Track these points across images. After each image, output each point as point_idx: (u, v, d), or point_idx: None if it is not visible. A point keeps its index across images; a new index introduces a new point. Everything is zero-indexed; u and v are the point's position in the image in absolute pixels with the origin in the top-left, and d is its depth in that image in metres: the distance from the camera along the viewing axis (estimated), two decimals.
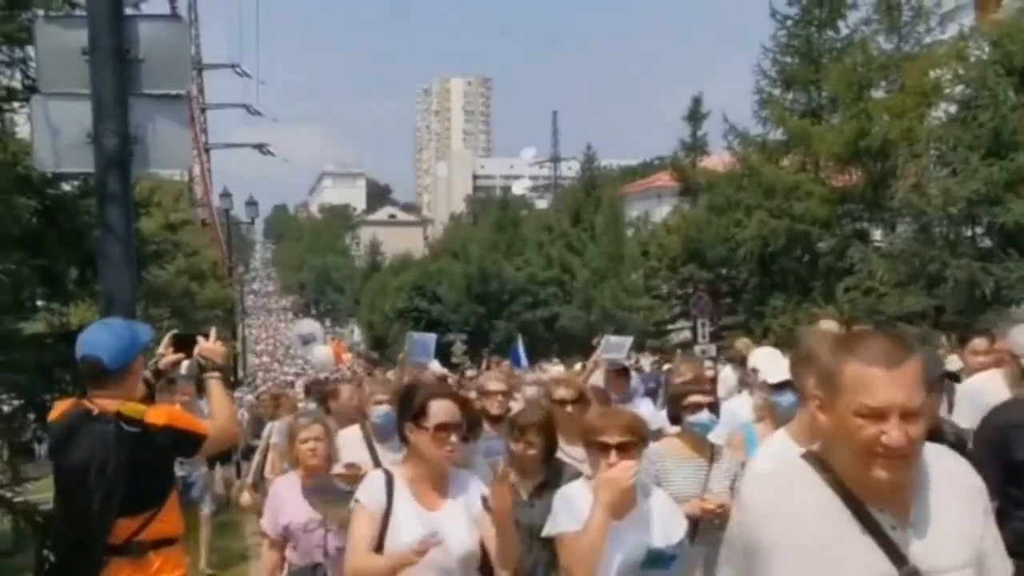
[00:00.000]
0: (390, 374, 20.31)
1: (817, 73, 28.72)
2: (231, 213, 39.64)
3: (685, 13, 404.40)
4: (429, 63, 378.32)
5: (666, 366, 13.93)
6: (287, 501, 4.88)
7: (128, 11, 4.99)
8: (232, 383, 27.01)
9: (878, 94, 27.25)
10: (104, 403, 3.77)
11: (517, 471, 4.45)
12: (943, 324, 20.26)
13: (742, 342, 11.60)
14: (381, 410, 5.56)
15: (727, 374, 10.58)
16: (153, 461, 3.80)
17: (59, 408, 3.91)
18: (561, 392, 5.56)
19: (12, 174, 9.95)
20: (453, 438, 3.43)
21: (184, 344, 4.41)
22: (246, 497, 7.98)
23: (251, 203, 40.43)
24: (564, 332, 47.30)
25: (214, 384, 4.29)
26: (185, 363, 4.53)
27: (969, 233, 23.25)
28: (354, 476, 4.66)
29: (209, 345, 4.34)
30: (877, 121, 25.76)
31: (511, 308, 52.75)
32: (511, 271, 54.05)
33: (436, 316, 56.28)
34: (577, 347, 35.66)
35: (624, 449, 3.62)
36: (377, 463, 5.13)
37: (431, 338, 8.99)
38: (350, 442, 5.53)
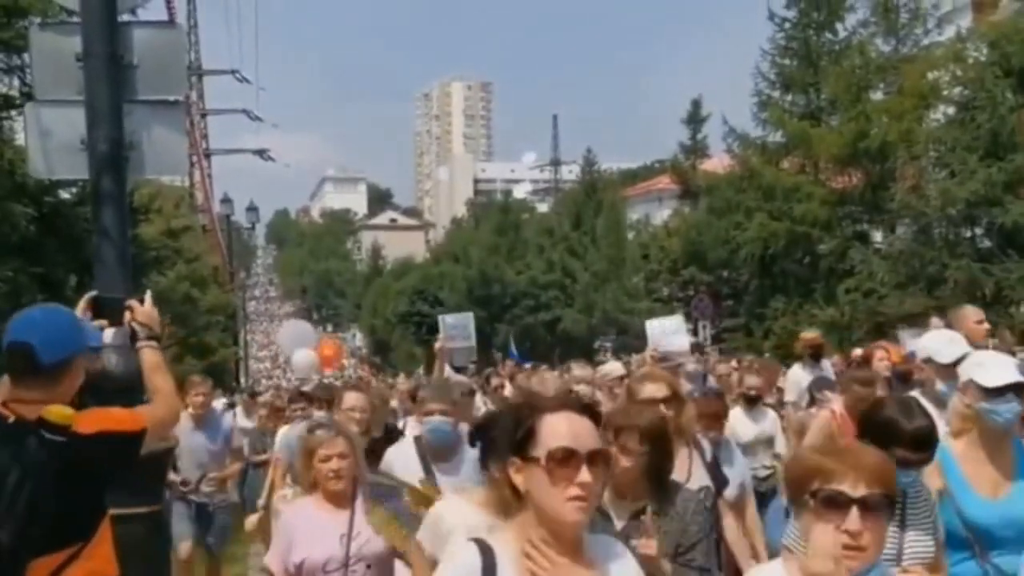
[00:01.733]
0: (400, 379, 19.75)
1: (816, 75, 28.76)
2: (232, 218, 39.75)
3: (684, 16, 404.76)
4: (429, 68, 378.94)
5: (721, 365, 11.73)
6: (301, 533, 3.96)
7: (123, 17, 4.99)
8: (232, 388, 27.00)
9: (876, 96, 27.29)
10: (22, 409, 3.03)
11: (609, 489, 3.31)
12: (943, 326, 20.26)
13: (810, 334, 9.75)
14: (434, 421, 4.72)
15: (797, 375, 8.92)
16: (83, 480, 3.05)
17: None
18: (649, 389, 4.27)
19: (9, 182, 10.01)
20: (585, 476, 2.15)
21: (107, 309, 3.81)
22: (252, 521, 7.45)
23: (252, 208, 40.52)
24: (565, 335, 47.34)
25: (150, 354, 3.64)
26: (109, 331, 3.87)
27: (968, 234, 23.26)
28: (428, 499, 3.91)
29: (145, 309, 3.75)
30: (876, 123, 25.79)
31: (513, 312, 52.75)
32: (512, 275, 54.08)
33: (438, 320, 56.27)
34: (578, 350, 35.66)
35: (869, 508, 2.15)
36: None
37: (468, 318, 7.91)
38: (401, 461, 4.76)
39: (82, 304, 3.85)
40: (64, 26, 5.10)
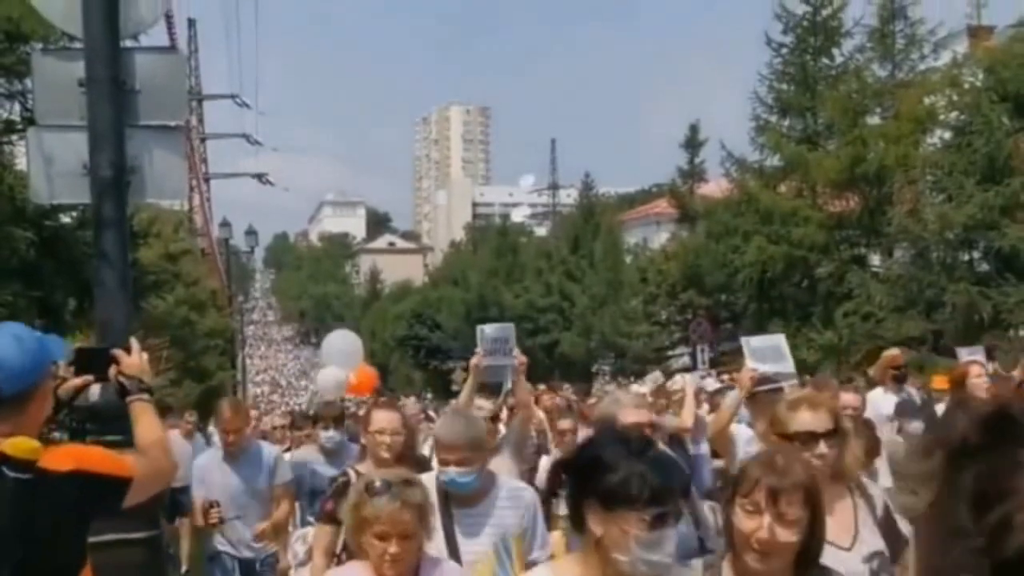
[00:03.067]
0: (411, 401, 19.02)
1: (812, 100, 28.88)
2: (231, 242, 39.76)
3: (681, 41, 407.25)
4: (428, 92, 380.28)
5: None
6: None
7: (125, 43, 5.03)
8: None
9: (873, 120, 27.40)
10: None
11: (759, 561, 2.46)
12: (942, 349, 20.27)
13: (892, 352, 8.62)
14: (451, 473, 4.05)
15: (878, 399, 7.88)
16: (55, 524, 2.63)
17: None
18: (807, 420, 3.22)
19: (10, 206, 10.04)
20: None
21: (91, 361, 3.28)
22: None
23: (251, 232, 40.54)
24: (564, 358, 47.26)
25: (141, 409, 3.17)
26: (96, 388, 3.41)
27: (966, 258, 23.32)
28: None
29: (132, 360, 3.28)
30: (873, 147, 25.89)
31: None
32: (510, 298, 54.04)
33: (436, 344, 56.29)
34: (577, 373, 35.61)
35: None
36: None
37: (510, 330, 6.12)
38: None
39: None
40: (67, 51, 5.15)
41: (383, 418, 5.20)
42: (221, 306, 38.18)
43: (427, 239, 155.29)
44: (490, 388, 6.50)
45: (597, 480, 2.21)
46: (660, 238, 46.21)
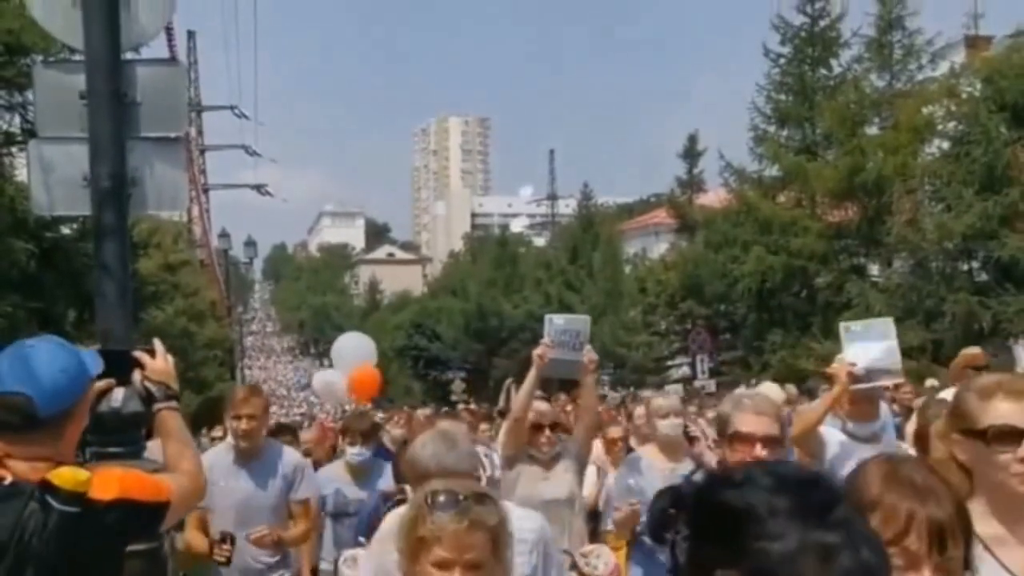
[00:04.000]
0: (420, 412, 17.60)
1: (811, 110, 28.95)
2: (230, 253, 39.83)
3: (680, 52, 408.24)
4: (427, 103, 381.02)
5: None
6: None
7: (126, 55, 5.04)
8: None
9: (872, 131, 27.45)
10: (20, 467, 2.44)
11: None
12: (942, 358, 20.27)
13: (972, 350, 7.30)
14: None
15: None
16: (96, 555, 2.48)
17: None
18: (1005, 412, 2.29)
19: (10, 218, 10.05)
20: None
21: (114, 364, 3.00)
22: None
23: (250, 243, 40.64)
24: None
25: (170, 418, 2.96)
26: (119, 391, 3.15)
27: (965, 267, 23.32)
28: None
29: (158, 363, 3.06)
30: (871, 157, 25.93)
31: (510, 345, 52.66)
32: (509, 308, 54.08)
33: (435, 354, 56.27)
34: (575, 384, 35.55)
35: None
36: None
37: (584, 322, 5.26)
38: None
39: None
40: (68, 64, 5.16)
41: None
42: (220, 317, 38.23)
43: (426, 249, 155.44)
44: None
45: (746, 546, 1.21)
46: (659, 248, 46.25)
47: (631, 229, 57.25)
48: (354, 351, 12.15)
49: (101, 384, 2.88)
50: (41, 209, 5.22)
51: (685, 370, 33.79)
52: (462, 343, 55.36)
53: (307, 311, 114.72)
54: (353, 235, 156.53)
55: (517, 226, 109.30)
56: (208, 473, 3.41)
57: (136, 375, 3.02)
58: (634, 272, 44.74)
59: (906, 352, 21.51)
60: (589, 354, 5.16)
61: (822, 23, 29.54)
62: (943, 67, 25.97)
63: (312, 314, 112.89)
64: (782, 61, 29.90)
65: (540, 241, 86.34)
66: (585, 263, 50.82)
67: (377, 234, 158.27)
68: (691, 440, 6.07)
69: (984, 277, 22.74)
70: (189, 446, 2.97)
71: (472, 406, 18.64)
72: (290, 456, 5.51)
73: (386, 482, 5.80)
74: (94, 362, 2.74)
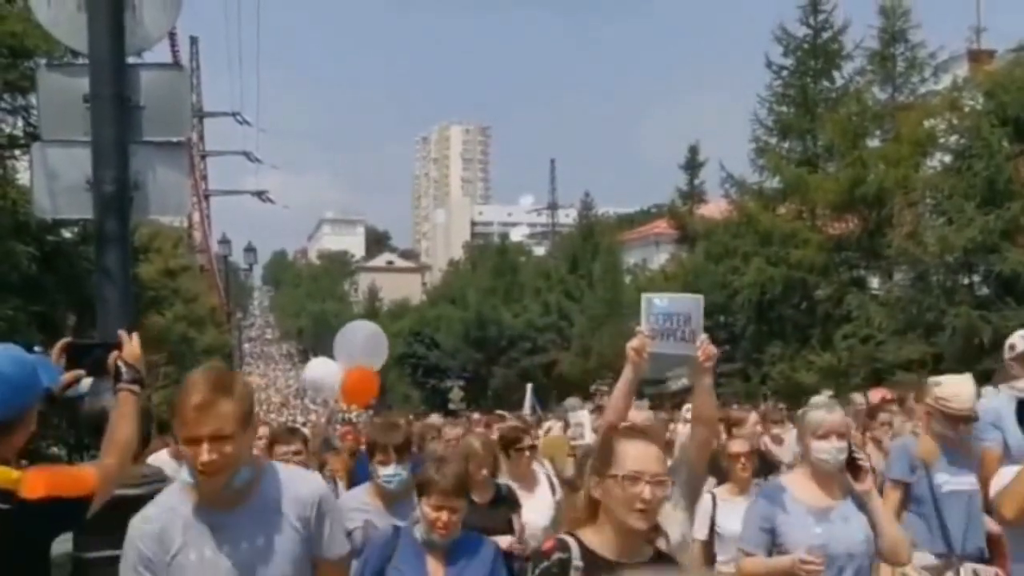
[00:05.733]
0: (435, 418, 15.81)
1: (812, 122, 28.97)
2: (230, 259, 39.82)
3: (681, 62, 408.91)
4: (428, 112, 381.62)
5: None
6: None
7: (130, 59, 5.04)
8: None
9: (873, 143, 27.46)
10: None
11: None
12: (942, 372, 20.22)
13: None
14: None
15: None
16: (27, 551, 2.66)
17: None
18: None
19: (12, 221, 10.03)
20: None
21: (83, 356, 3.29)
22: None
23: (250, 249, 40.65)
24: (562, 378, 47.18)
25: (128, 399, 3.13)
26: (87, 381, 3.36)
27: (966, 281, 23.28)
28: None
29: (134, 348, 3.27)
30: (872, 170, 25.93)
31: (509, 354, 52.63)
32: (509, 317, 54.02)
33: (434, 362, 56.18)
34: (575, 393, 35.48)
35: None
36: None
37: (695, 304, 4.07)
38: None
39: (56, 351, 3.29)
40: (72, 67, 5.17)
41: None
42: (220, 323, 38.23)
43: (426, 258, 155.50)
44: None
45: None
46: (659, 258, 46.23)
47: (631, 239, 57.23)
48: (363, 345, 10.08)
49: (68, 375, 3.21)
50: (43, 212, 5.21)
51: (684, 382, 33.72)
52: (461, 351, 55.28)
53: (306, 318, 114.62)
54: (353, 242, 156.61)
55: (517, 235, 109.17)
56: (161, 540, 2.85)
57: (113, 354, 3.26)
58: (634, 282, 44.68)
59: (906, 366, 21.52)
60: (705, 345, 3.83)
61: (825, 35, 29.61)
62: (945, 80, 25.99)
63: (311, 321, 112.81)
64: (784, 73, 29.97)
65: (540, 250, 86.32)
66: (585, 273, 50.78)
67: (377, 242, 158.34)
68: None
69: (985, 291, 22.70)
70: (130, 433, 3.11)
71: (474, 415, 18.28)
72: (303, 485, 3.09)
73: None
74: (48, 373, 3.01)
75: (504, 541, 5.08)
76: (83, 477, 2.86)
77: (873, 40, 28.16)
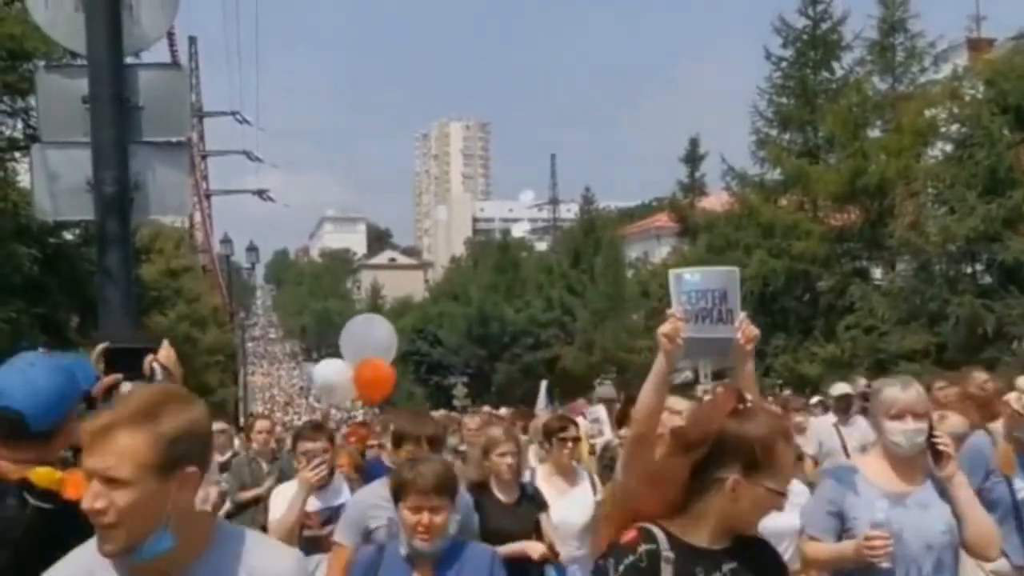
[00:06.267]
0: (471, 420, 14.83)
1: (813, 114, 28.93)
2: (232, 259, 39.80)
3: (680, 56, 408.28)
4: (427, 108, 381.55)
5: None
6: None
7: (129, 60, 5.03)
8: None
9: (874, 134, 27.43)
10: (5, 467, 2.73)
11: None
12: (945, 362, 20.21)
13: None
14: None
15: None
16: (65, 549, 2.54)
17: None
18: None
19: (13, 224, 10.04)
20: None
21: (122, 360, 3.32)
22: None
23: (252, 248, 40.65)
24: (565, 373, 47.22)
25: None
26: (126, 385, 3.29)
27: (969, 270, 23.26)
28: None
29: (169, 352, 3.36)
30: (874, 160, 25.90)
31: (512, 350, 52.68)
32: (511, 313, 54.06)
33: (437, 359, 56.25)
34: (579, 388, 35.51)
35: None
36: None
37: (727, 276, 3.61)
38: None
39: (95, 355, 3.38)
40: (71, 68, 5.16)
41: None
42: (222, 322, 38.22)
43: (428, 254, 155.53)
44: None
45: None
46: (661, 252, 46.24)
47: (633, 233, 57.23)
48: (371, 338, 9.49)
49: (108, 379, 3.19)
50: (44, 214, 5.20)
51: (688, 375, 33.71)
52: (464, 348, 55.33)
53: (309, 316, 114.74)
54: (355, 240, 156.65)
55: (518, 231, 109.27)
56: None
57: (148, 357, 3.29)
58: (636, 276, 44.72)
59: (910, 356, 21.49)
60: (745, 325, 3.35)
61: (824, 26, 29.55)
62: (945, 70, 25.95)
63: (314, 319, 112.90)
64: (784, 64, 29.91)
65: (542, 246, 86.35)
66: (587, 267, 50.81)
67: (379, 239, 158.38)
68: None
69: (988, 280, 22.69)
70: None
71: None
72: (273, 566, 2.18)
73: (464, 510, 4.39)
74: (87, 375, 3.01)
75: (536, 550, 4.92)
76: None
77: (872, 30, 28.15)
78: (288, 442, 9.43)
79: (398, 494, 3.57)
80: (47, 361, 2.91)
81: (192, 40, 51.01)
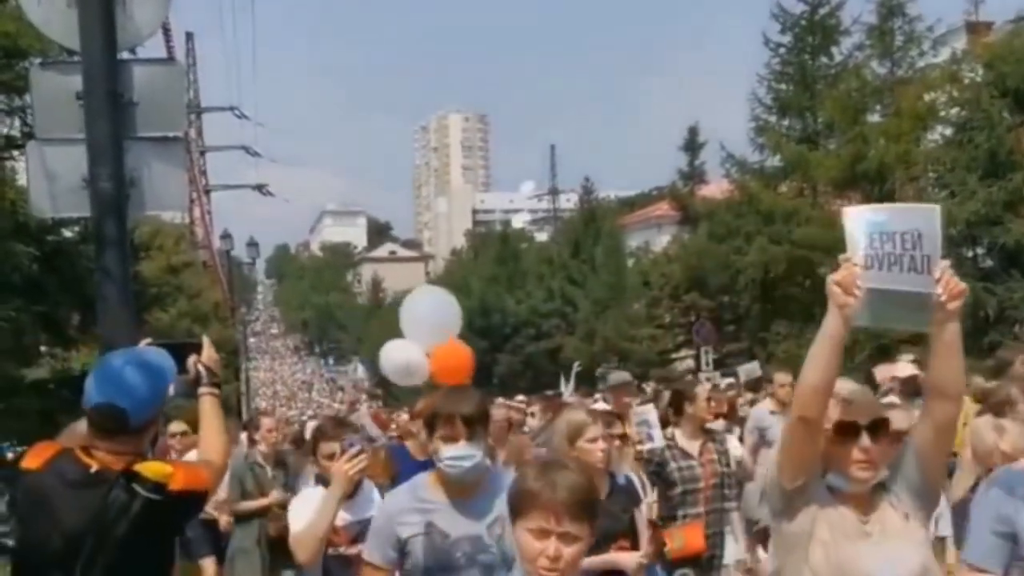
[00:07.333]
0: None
1: (812, 99, 28.88)
2: (232, 254, 39.73)
3: (679, 43, 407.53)
4: (426, 100, 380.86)
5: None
6: None
7: (123, 55, 5.01)
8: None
9: (873, 118, 27.37)
10: (105, 458, 2.95)
11: None
12: None
13: None
14: None
15: None
16: (165, 538, 3.06)
17: (39, 454, 3.03)
18: None
19: (11, 222, 10.03)
20: None
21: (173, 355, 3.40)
22: None
23: (252, 244, 40.59)
24: (568, 364, 47.23)
25: (212, 402, 3.43)
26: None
27: (970, 254, 23.24)
28: None
29: (211, 352, 3.54)
30: (873, 145, 25.84)
31: (514, 341, 52.66)
32: (513, 304, 54.03)
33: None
34: (581, 378, 35.55)
35: None
36: None
37: (919, 215, 2.71)
38: None
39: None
40: (65, 65, 5.12)
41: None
42: (224, 318, 38.21)
43: (428, 247, 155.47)
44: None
45: None
46: (662, 241, 46.19)
47: (633, 222, 57.19)
48: (436, 314, 8.28)
49: (191, 379, 3.46)
50: (40, 212, 5.19)
51: (690, 363, 33.75)
52: (466, 339, 55.24)
53: (311, 310, 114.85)
54: (355, 234, 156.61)
55: (519, 222, 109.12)
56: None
57: (192, 358, 3.46)
58: (637, 265, 44.69)
59: (911, 341, 21.45)
60: (947, 277, 2.57)
61: (822, 11, 29.47)
62: (944, 53, 25.88)
63: (316, 313, 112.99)
64: (782, 50, 29.84)
65: (542, 236, 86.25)
66: (588, 257, 50.75)
67: (379, 232, 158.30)
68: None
69: (989, 263, 22.67)
70: (220, 430, 3.41)
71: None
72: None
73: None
74: (171, 370, 3.23)
75: (631, 562, 4.32)
76: (204, 473, 3.19)
77: (871, 15, 28.04)
78: (287, 444, 9.27)
79: (517, 509, 2.38)
80: (138, 359, 3.15)
81: (189, 36, 51.01)
